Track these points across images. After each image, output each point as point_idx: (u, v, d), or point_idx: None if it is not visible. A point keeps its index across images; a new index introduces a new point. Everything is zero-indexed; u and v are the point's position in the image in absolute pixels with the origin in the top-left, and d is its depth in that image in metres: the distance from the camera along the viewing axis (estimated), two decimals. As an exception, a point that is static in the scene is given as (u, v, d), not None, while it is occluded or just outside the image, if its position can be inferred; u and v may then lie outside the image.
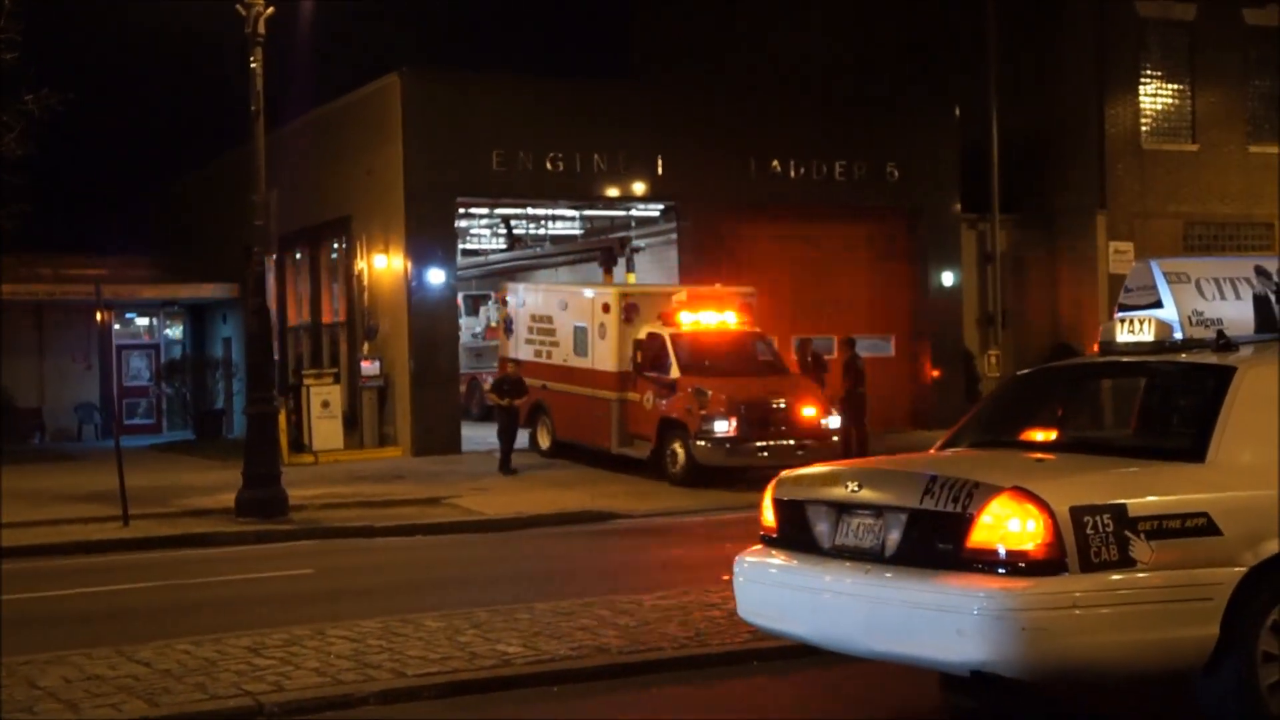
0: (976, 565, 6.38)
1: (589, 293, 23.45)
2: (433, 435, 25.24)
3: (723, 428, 19.92)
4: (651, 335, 21.37)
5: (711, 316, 21.73)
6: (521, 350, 24.11)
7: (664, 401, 20.76)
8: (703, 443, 19.94)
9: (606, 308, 22.12)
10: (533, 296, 24.68)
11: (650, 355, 21.20)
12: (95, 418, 34.52)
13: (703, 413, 20.00)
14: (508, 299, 25.19)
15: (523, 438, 23.61)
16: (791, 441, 19.84)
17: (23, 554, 15.43)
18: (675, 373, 20.69)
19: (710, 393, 20.10)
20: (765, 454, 19.65)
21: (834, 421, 20.76)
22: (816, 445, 19.78)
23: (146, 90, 41.24)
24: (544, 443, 23.83)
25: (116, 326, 35.34)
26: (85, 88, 23.68)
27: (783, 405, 20.29)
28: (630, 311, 21.79)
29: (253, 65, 17.87)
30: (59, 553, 15.60)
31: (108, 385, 34.36)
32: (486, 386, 32.70)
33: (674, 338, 21.10)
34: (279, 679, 8.42)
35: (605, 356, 22.01)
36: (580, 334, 22.73)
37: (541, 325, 23.90)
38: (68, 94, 21.65)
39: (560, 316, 23.47)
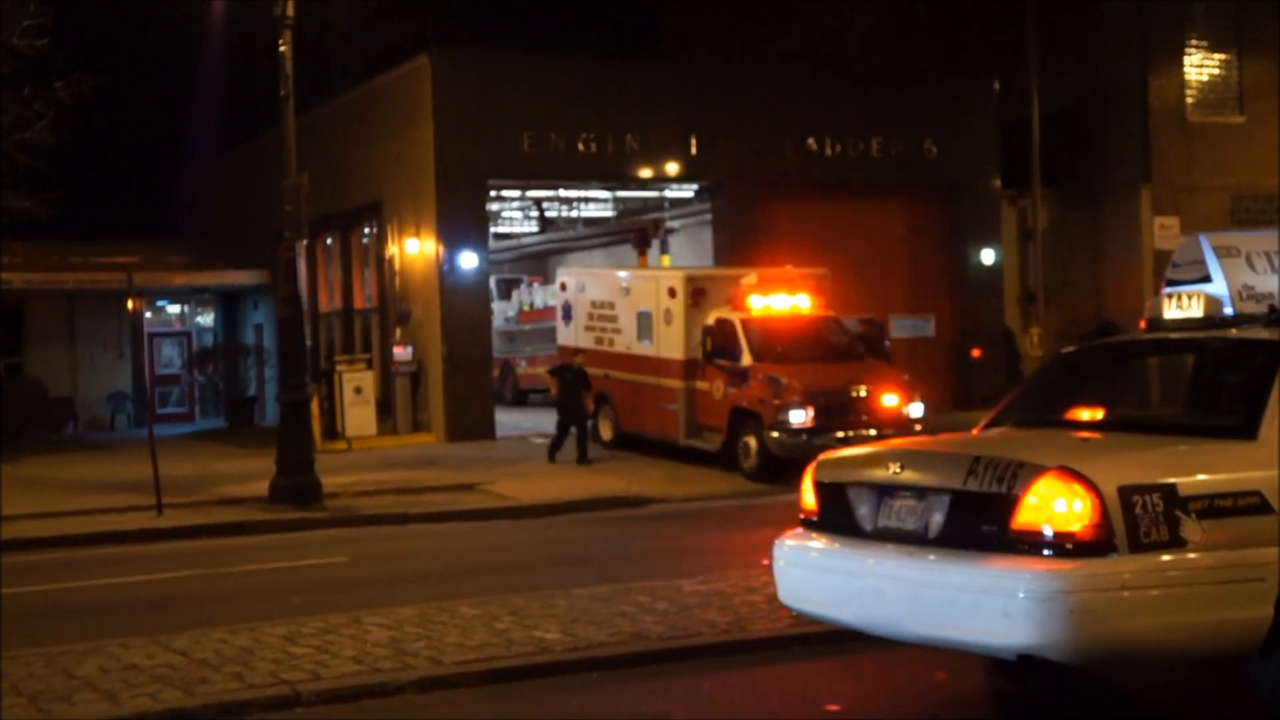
0: (1022, 547, 6.33)
1: (653, 277, 22.75)
2: (466, 421, 25.29)
3: (799, 418, 18.96)
4: (721, 321, 20.56)
5: (784, 300, 20.93)
6: (581, 338, 23.50)
7: (735, 390, 19.93)
8: (777, 434, 18.96)
9: (672, 292, 21.30)
10: (593, 281, 24.07)
11: (720, 342, 20.38)
12: (128, 406, 34.80)
13: (777, 402, 19.09)
14: (566, 284, 24.60)
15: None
16: (873, 431, 18.98)
17: (57, 544, 15.59)
18: (747, 360, 19.89)
19: (785, 381, 19.26)
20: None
21: (917, 409, 19.68)
22: (898, 434, 18.63)
23: (176, 74, 41.41)
24: (606, 434, 23.05)
25: (148, 314, 35.60)
26: (114, 72, 23.79)
27: (863, 393, 19.42)
28: (698, 296, 21.06)
29: (282, 49, 17.89)
30: (93, 542, 15.74)
31: (140, 374, 34.63)
32: (520, 371, 32.86)
33: (745, 323, 20.28)
34: (316, 667, 8.47)
35: (671, 343, 21.24)
36: (644, 320, 22.03)
37: (602, 311, 23.26)
38: (98, 79, 21.77)
39: (622, 302, 22.75)
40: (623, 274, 24.15)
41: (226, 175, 37.71)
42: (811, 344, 20.58)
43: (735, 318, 20.47)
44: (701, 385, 20.87)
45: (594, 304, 23.60)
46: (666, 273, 22.99)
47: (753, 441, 19.55)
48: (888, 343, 22.67)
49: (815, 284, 21.62)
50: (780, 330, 20.56)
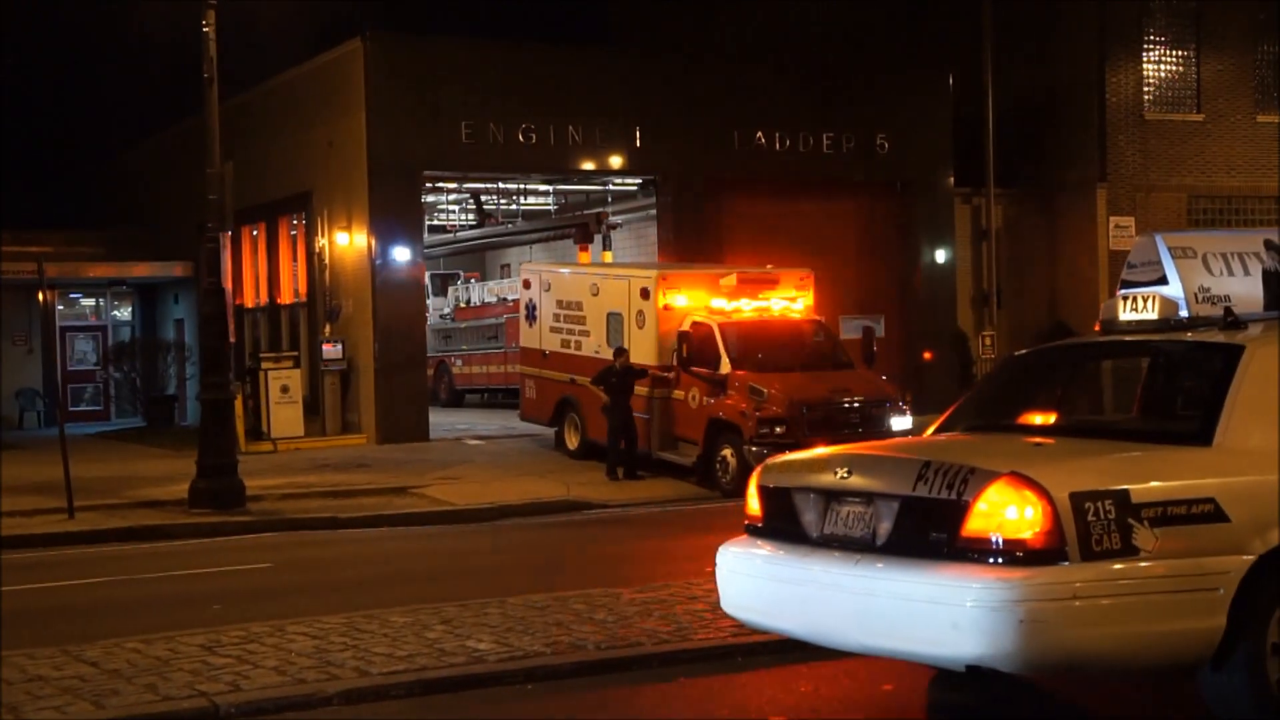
0: (972, 555, 6.39)
1: (624, 276, 22.19)
2: (398, 422, 25.18)
3: (782, 431, 18.39)
4: (698, 324, 20.02)
5: (765, 302, 20.47)
6: (546, 340, 23.09)
7: (713, 400, 19.39)
8: (758, 449, 17.95)
9: (645, 293, 20.78)
10: (559, 279, 23.65)
11: (696, 347, 19.77)
12: (38, 404, 34.31)
13: (758, 414, 18.59)
14: (530, 281, 24.11)
15: (547, 438, 23.09)
16: None
17: (-38, 548, 15.35)
18: (726, 367, 19.31)
19: (767, 391, 18.80)
20: None
21: (906, 421, 19.14)
22: None
23: (94, 55, 40.99)
24: (571, 444, 22.34)
25: (61, 307, 35.11)
26: (28, 53, 23.48)
27: (852, 404, 19.06)
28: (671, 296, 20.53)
29: (205, 29, 17.76)
30: None
31: (51, 370, 34.09)
32: (455, 370, 32.80)
33: (724, 327, 19.79)
34: (236, 678, 8.39)
35: (644, 348, 20.63)
36: (615, 322, 21.46)
37: (569, 312, 22.76)
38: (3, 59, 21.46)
39: (591, 302, 22.17)
40: (591, 271, 23.72)
41: (147, 161, 37.30)
42: (795, 350, 20.13)
43: (713, 321, 20.00)
44: (677, 394, 20.28)
45: (560, 304, 23.12)
46: (639, 272, 22.39)
47: (731, 456, 18.91)
48: (874, 348, 22.02)
49: (800, 284, 21.23)
50: (761, 335, 20.05)
